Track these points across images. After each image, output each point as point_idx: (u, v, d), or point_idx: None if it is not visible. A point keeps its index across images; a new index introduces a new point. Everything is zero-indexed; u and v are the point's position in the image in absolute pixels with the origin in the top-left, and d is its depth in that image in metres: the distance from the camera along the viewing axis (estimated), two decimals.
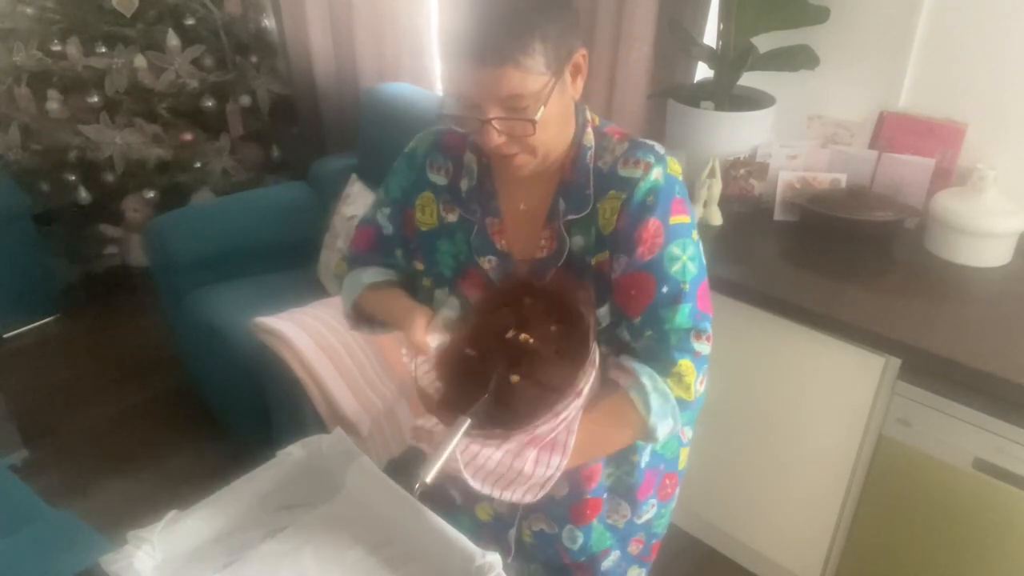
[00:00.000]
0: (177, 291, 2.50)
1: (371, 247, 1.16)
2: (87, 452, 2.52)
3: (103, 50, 2.89)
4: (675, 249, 0.97)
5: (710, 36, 2.09)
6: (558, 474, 0.91)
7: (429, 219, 1.09)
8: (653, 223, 0.96)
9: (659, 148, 1.01)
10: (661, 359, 0.98)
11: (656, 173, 0.97)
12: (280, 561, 0.99)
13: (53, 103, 2.88)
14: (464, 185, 1.05)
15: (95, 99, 2.90)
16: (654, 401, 0.96)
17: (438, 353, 0.96)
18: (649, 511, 1.20)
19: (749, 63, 1.93)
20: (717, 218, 1.92)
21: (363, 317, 1.17)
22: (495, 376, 0.89)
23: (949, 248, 1.73)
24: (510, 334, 0.92)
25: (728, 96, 2.04)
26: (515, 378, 0.89)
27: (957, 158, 1.83)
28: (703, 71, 2.16)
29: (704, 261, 1.01)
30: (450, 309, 1.01)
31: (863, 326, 1.51)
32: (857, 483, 1.68)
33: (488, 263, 1.05)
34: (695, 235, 1.01)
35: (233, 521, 1.05)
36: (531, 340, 0.91)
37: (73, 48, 2.83)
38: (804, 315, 1.60)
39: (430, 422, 0.95)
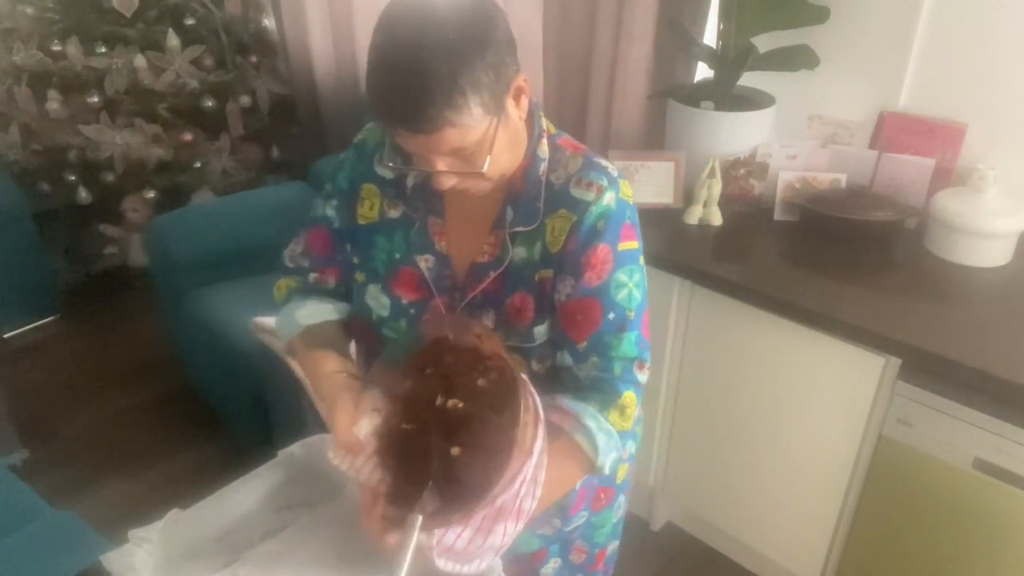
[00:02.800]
0: (177, 291, 2.50)
1: (327, 248, 1.11)
2: (87, 452, 2.52)
3: (103, 50, 2.89)
4: (622, 276, 0.97)
5: (710, 36, 2.10)
6: (513, 540, 0.89)
7: (370, 212, 1.06)
8: (602, 249, 0.96)
9: (612, 170, 0.99)
10: (606, 391, 0.98)
11: (608, 197, 0.96)
12: (280, 561, 0.99)
13: (53, 103, 2.88)
14: (410, 181, 1.03)
15: (95, 99, 2.90)
16: (600, 441, 0.96)
17: (376, 440, 0.88)
18: (579, 520, 1.19)
19: (749, 63, 1.93)
20: (717, 218, 1.92)
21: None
22: (435, 455, 0.82)
23: (949, 248, 1.74)
24: (439, 401, 0.84)
25: (728, 96, 2.04)
26: (455, 451, 0.81)
27: (957, 158, 1.83)
28: (703, 71, 2.16)
29: (647, 287, 1.01)
30: (374, 388, 0.93)
31: (863, 326, 1.51)
32: (857, 483, 1.68)
33: (425, 262, 1.03)
34: (641, 261, 1.01)
35: (233, 521, 1.05)
36: (460, 405, 0.84)
37: (73, 48, 2.83)
38: (804, 315, 1.60)
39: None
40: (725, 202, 1.94)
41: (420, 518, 0.82)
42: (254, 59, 3.16)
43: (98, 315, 3.27)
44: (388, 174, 1.05)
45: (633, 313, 0.98)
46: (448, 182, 0.91)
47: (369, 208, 1.06)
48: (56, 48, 2.87)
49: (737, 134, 1.99)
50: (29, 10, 2.85)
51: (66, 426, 2.64)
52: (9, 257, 2.95)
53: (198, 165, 3.10)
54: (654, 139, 2.26)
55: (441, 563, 0.85)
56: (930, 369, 1.45)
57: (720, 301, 1.73)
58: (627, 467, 1.21)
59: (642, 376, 1.01)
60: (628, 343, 0.98)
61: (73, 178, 3.00)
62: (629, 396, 0.99)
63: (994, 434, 1.41)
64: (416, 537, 0.81)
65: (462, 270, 1.03)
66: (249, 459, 1.14)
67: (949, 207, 1.71)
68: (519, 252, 0.99)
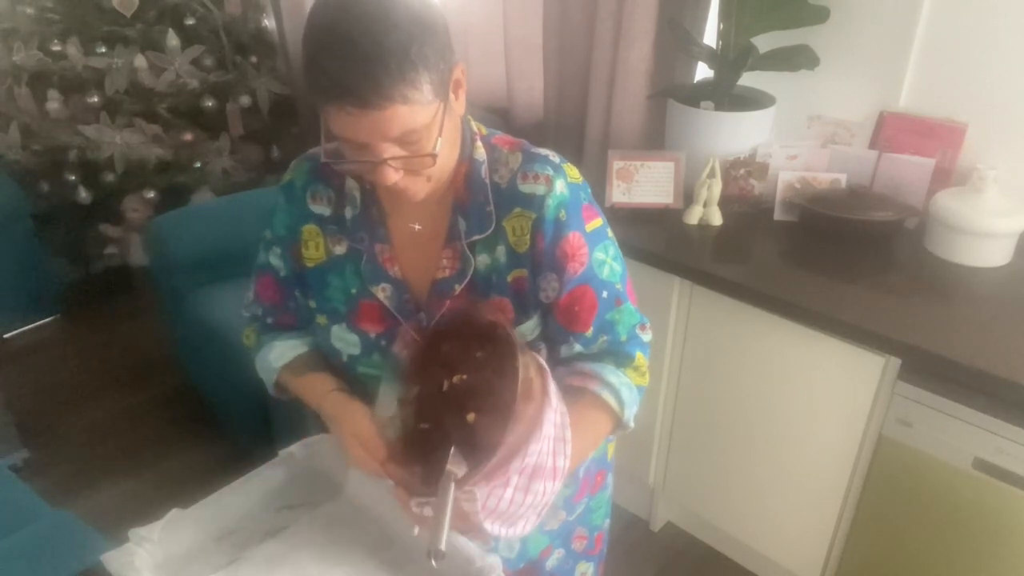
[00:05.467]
0: (177, 291, 2.49)
1: (276, 296, 1.10)
2: (87, 452, 2.53)
3: (103, 50, 2.88)
4: (599, 254, 0.99)
5: (710, 36, 2.10)
6: (552, 498, 0.91)
7: (316, 253, 1.04)
8: (574, 236, 0.96)
9: (553, 157, 0.99)
10: (619, 355, 1.03)
11: (559, 186, 0.96)
12: (280, 561, 0.99)
13: (53, 103, 2.88)
14: (348, 213, 1.01)
15: (95, 99, 2.89)
16: (625, 394, 1.00)
17: (399, 446, 0.92)
18: (580, 506, 1.22)
19: (749, 63, 1.93)
20: (717, 218, 1.92)
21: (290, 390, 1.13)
22: (453, 429, 0.87)
23: (949, 248, 1.74)
24: (446, 386, 0.89)
25: (728, 96, 2.04)
26: (471, 417, 0.86)
27: (957, 158, 1.83)
28: (703, 71, 2.16)
29: (621, 254, 1.04)
30: (385, 399, 0.96)
31: (863, 326, 1.51)
32: (857, 483, 1.68)
33: (382, 291, 1.01)
34: (609, 233, 1.02)
35: (234, 520, 1.05)
36: (464, 377, 0.89)
37: (73, 48, 2.83)
38: (804, 315, 1.60)
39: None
40: (725, 202, 1.94)
41: (452, 485, 0.84)
42: (254, 59, 3.16)
43: (98, 315, 3.27)
44: (326, 210, 1.02)
45: (620, 285, 1.02)
46: (393, 175, 0.87)
47: (315, 249, 1.04)
48: (56, 48, 2.86)
49: (737, 134, 1.99)
50: (29, 10, 2.85)
51: (66, 426, 2.64)
52: (9, 257, 2.95)
53: (198, 165, 3.10)
54: (654, 139, 2.26)
55: (488, 526, 0.86)
56: (930, 369, 1.46)
57: (720, 301, 1.73)
58: (613, 445, 1.27)
59: (646, 336, 1.05)
60: (628, 312, 1.02)
61: (73, 178, 2.99)
62: (640, 357, 1.04)
63: (994, 434, 1.41)
64: (451, 501, 0.82)
65: (422, 291, 1.01)
66: (249, 459, 1.14)
67: (949, 207, 1.71)
68: (482, 260, 0.98)
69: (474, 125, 1.01)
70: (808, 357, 1.66)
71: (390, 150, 0.84)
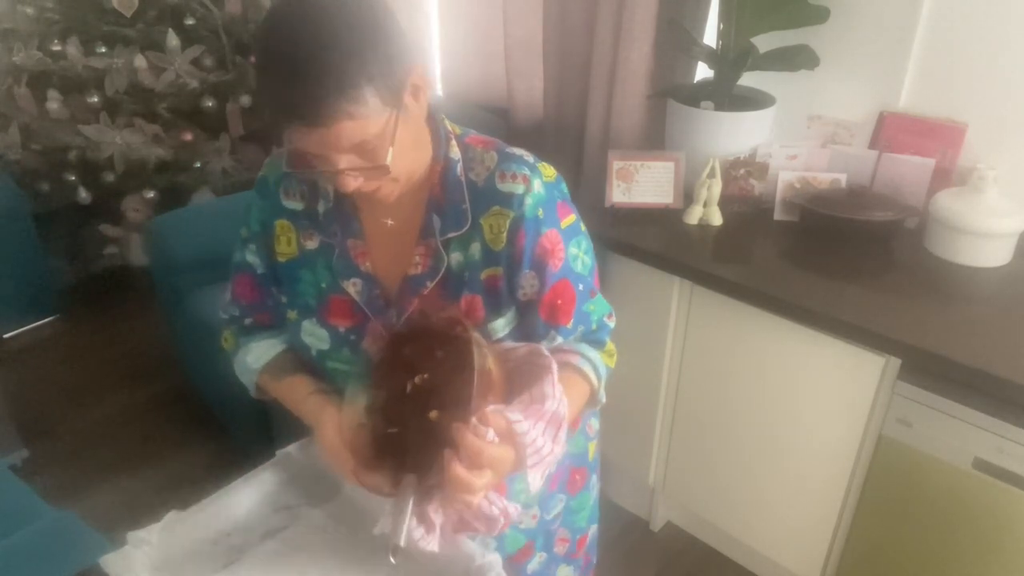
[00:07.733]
0: (177, 291, 2.49)
1: (254, 294, 1.11)
2: (87, 452, 2.53)
3: (103, 50, 2.88)
4: (573, 249, 1.02)
5: (710, 36, 2.10)
6: (554, 459, 0.93)
7: (288, 248, 1.05)
8: (552, 234, 0.99)
9: (528, 156, 1.00)
10: (592, 341, 1.09)
11: (537, 185, 0.97)
12: (280, 561, 0.99)
13: (53, 103, 2.88)
14: (321, 207, 1.02)
15: (95, 99, 2.89)
16: (602, 369, 1.07)
17: (370, 452, 0.92)
18: (557, 505, 1.21)
19: (749, 63, 1.93)
20: (717, 218, 1.92)
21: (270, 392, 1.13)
22: (417, 427, 0.87)
23: (949, 248, 1.73)
24: (409, 388, 0.90)
25: (728, 96, 2.04)
26: (433, 415, 0.87)
27: (957, 158, 1.83)
28: (703, 71, 2.16)
29: (592, 248, 1.07)
30: (353, 399, 0.96)
31: (863, 326, 1.51)
32: (857, 483, 1.68)
33: (353, 286, 1.01)
34: (582, 227, 1.05)
35: (233, 521, 1.05)
36: (426, 376, 0.90)
37: (73, 48, 2.83)
38: (804, 315, 1.60)
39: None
40: (725, 202, 1.94)
41: (411, 488, 0.85)
42: (254, 59, 3.16)
43: (98, 315, 3.27)
44: (298, 206, 1.04)
45: (591, 277, 1.06)
46: (353, 183, 0.88)
47: (287, 244, 1.05)
48: (56, 48, 2.86)
49: (737, 134, 1.99)
50: (29, 10, 2.85)
51: (66, 426, 2.64)
52: (9, 257, 2.95)
53: (198, 165, 3.10)
54: (654, 139, 2.26)
55: (532, 475, 0.89)
56: (930, 369, 1.45)
57: (720, 301, 1.73)
58: (595, 445, 1.27)
59: (612, 323, 1.12)
60: (599, 303, 1.08)
61: (73, 178, 2.99)
62: (610, 343, 1.12)
63: (994, 434, 1.41)
64: (411, 504, 0.84)
65: (393, 287, 1.02)
66: (249, 459, 1.14)
67: (949, 207, 1.71)
68: (455, 257, 0.99)
69: (448, 124, 1.02)
70: (808, 357, 1.66)
71: (345, 160, 0.85)
